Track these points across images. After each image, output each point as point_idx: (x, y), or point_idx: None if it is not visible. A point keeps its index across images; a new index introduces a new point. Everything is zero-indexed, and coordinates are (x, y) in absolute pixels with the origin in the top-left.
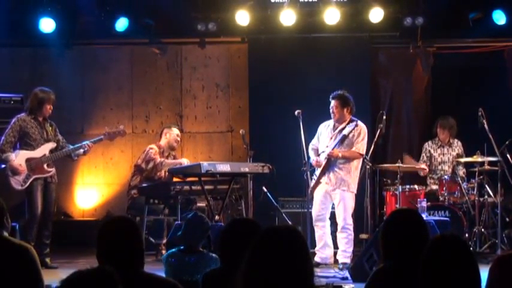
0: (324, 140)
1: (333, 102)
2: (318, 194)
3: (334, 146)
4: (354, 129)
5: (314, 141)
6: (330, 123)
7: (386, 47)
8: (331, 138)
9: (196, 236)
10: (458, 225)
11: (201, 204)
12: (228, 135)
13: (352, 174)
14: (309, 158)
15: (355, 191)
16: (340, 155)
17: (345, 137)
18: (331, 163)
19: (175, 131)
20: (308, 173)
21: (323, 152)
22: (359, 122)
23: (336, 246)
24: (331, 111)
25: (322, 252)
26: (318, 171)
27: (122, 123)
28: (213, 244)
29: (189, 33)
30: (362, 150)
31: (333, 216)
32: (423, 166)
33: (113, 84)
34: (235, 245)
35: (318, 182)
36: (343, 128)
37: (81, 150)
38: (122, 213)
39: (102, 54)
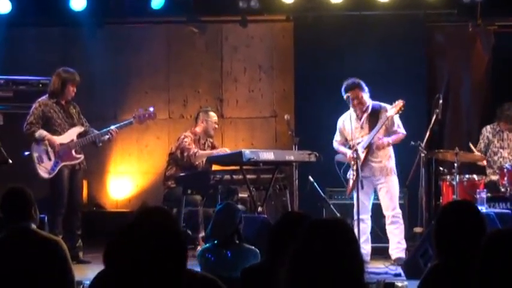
0: (351, 131)
1: (352, 94)
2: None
3: (374, 134)
4: (398, 108)
5: (337, 138)
6: (350, 114)
7: (443, 26)
8: (360, 128)
9: (225, 227)
10: None
11: (243, 194)
12: (272, 121)
13: (391, 159)
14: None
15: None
16: (390, 142)
17: (388, 117)
18: (369, 154)
19: (212, 116)
20: (358, 162)
21: (359, 143)
22: (383, 105)
23: (381, 241)
24: (355, 102)
25: (364, 247)
26: (355, 167)
27: (158, 108)
28: (256, 237)
29: (230, 11)
30: (403, 130)
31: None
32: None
33: (148, 66)
34: (286, 239)
35: (358, 176)
36: (371, 114)
37: (107, 136)
38: (157, 204)
39: (137, 33)
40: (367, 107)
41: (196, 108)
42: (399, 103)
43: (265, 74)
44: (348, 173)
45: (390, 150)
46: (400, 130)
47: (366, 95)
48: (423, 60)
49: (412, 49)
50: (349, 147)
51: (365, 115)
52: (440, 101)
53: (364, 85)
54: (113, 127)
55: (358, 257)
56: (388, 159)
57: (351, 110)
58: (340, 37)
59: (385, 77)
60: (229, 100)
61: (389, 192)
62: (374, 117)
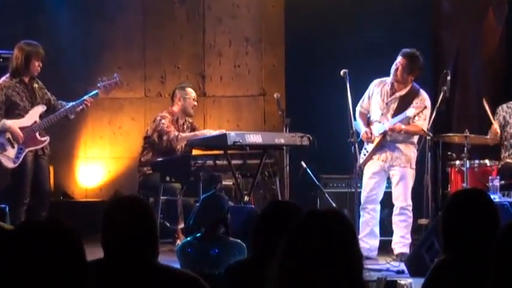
0: (377, 104)
1: (400, 59)
2: (370, 170)
3: (390, 125)
4: (420, 111)
5: (363, 103)
6: (387, 82)
7: None
8: (387, 104)
9: (209, 218)
10: None
11: (228, 182)
12: (260, 100)
13: (412, 148)
14: (354, 127)
15: (414, 168)
16: (402, 129)
17: (407, 117)
18: (385, 138)
19: (190, 92)
20: (356, 145)
21: (377, 122)
22: (422, 93)
23: (384, 234)
24: (394, 67)
25: (367, 242)
26: (369, 146)
27: (133, 86)
28: (242, 230)
29: None
30: (425, 126)
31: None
32: (495, 126)
33: (121, 39)
34: (273, 232)
35: (370, 158)
36: (405, 96)
37: (80, 107)
38: (132, 193)
39: (109, 2)
40: (405, 87)
41: (175, 85)
42: (421, 106)
43: (253, 48)
44: (364, 147)
45: (414, 139)
46: (422, 124)
47: (412, 73)
48: (429, 32)
49: (416, 19)
50: (368, 120)
51: (398, 94)
52: (448, 78)
53: (420, 64)
54: (86, 97)
55: (357, 252)
56: (407, 147)
57: (389, 79)
58: (336, 7)
59: (385, 51)
60: (213, 76)
61: (401, 181)
62: (406, 100)
